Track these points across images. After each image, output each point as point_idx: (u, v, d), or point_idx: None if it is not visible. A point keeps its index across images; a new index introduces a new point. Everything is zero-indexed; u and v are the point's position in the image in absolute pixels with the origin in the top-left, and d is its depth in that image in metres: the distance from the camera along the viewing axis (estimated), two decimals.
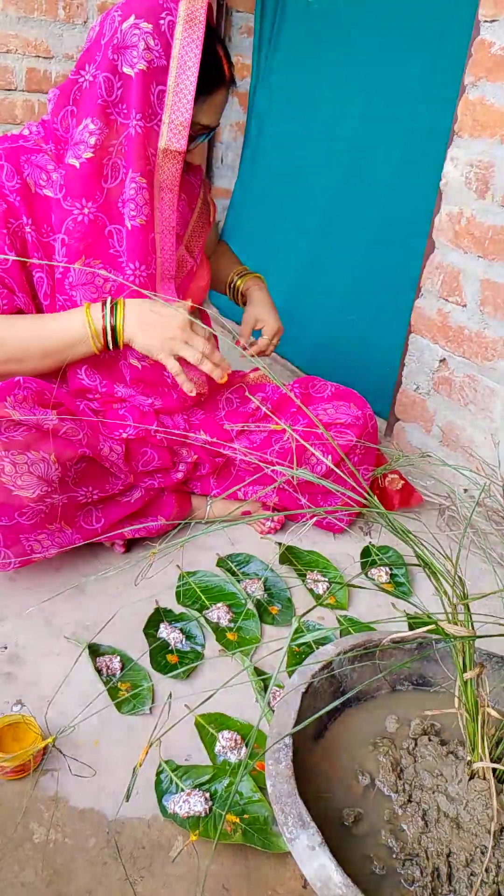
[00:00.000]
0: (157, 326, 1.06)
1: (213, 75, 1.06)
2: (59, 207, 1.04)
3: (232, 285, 1.41)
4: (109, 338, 1.06)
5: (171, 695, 0.89)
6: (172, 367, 1.08)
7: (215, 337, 1.28)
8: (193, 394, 1.12)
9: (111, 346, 1.07)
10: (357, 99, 1.92)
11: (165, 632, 1.02)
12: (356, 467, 1.31)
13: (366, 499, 0.71)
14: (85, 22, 2.16)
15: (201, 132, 1.12)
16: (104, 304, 1.06)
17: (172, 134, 1.02)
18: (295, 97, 2.16)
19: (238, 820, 0.75)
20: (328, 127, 2.03)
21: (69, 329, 1.05)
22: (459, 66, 1.38)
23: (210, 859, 0.73)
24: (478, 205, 1.37)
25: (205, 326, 1.06)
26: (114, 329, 1.05)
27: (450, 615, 0.67)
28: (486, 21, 1.30)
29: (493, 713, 0.67)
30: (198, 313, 1.33)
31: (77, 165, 1.01)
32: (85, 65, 1.01)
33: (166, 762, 0.81)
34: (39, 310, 1.11)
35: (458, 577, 0.66)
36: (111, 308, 1.06)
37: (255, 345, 1.35)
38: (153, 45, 0.98)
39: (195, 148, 1.15)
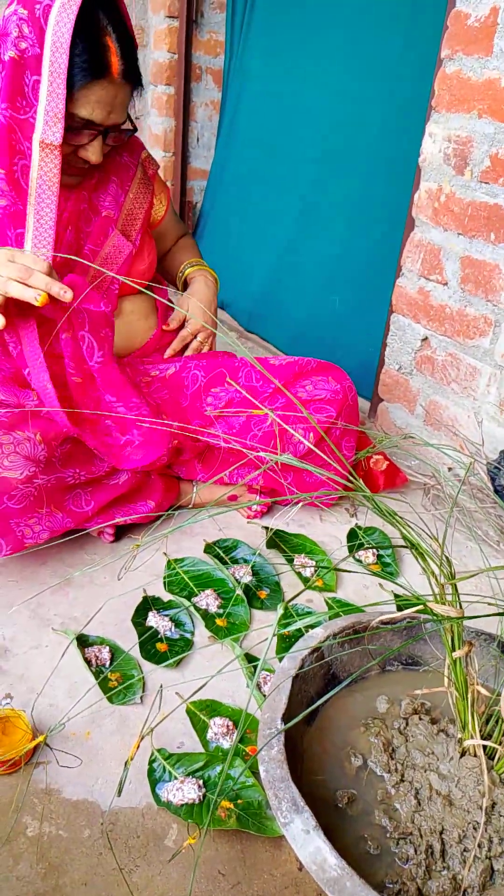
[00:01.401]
0: None
1: (91, 66, 0.97)
2: None
3: (181, 276, 1.38)
4: None
5: (161, 686, 0.89)
6: None
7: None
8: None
9: None
10: (334, 75, 1.89)
11: (154, 620, 1.02)
12: (339, 442, 1.29)
13: (350, 479, 0.71)
14: None
15: (88, 127, 1.02)
16: None
17: (46, 125, 0.97)
18: (271, 74, 2.12)
19: (232, 805, 0.75)
20: (306, 104, 2.00)
21: None
22: (436, 40, 1.36)
23: (202, 846, 0.73)
24: (457, 181, 1.35)
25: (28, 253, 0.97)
26: None
27: (437, 595, 0.67)
28: None
29: (483, 690, 0.68)
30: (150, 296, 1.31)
31: None
32: None
33: (158, 751, 0.81)
34: None
35: (446, 557, 0.65)
36: None
37: (177, 338, 1.31)
38: (27, 32, 0.95)
39: (89, 144, 1.04)
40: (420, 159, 1.43)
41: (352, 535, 1.29)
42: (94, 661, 0.94)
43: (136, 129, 1.11)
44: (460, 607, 0.66)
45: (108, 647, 0.96)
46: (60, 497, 1.09)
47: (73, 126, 1.01)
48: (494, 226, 1.30)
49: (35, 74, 0.96)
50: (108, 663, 0.94)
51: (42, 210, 1.03)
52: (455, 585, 0.66)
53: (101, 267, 1.16)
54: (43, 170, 1.00)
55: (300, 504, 1.28)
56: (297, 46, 2.01)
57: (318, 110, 1.95)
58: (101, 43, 0.97)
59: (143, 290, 0.93)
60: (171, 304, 1.08)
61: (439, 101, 1.36)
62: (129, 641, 0.99)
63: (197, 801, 0.75)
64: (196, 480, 1.30)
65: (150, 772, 0.79)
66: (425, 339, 1.51)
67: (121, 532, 1.21)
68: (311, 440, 1.24)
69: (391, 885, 0.62)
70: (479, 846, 0.63)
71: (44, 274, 0.95)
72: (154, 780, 0.78)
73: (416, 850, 0.64)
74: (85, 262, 0.97)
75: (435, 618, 0.65)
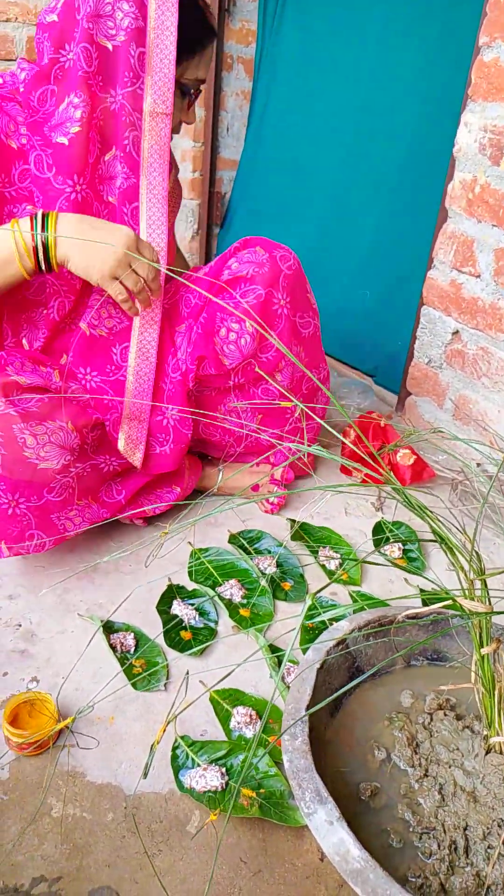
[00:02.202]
0: (97, 247, 0.92)
1: (198, 29, 1.02)
2: (50, 186, 1.01)
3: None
4: (41, 256, 0.92)
5: (188, 672, 0.89)
6: (116, 294, 0.98)
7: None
8: (136, 314, 1.04)
9: (43, 268, 0.94)
10: (368, 65, 1.86)
11: (179, 609, 1.02)
12: (291, 325, 1.19)
13: (381, 475, 0.70)
14: None
15: (194, 86, 1.08)
16: (34, 217, 0.92)
17: (157, 95, 0.99)
18: (303, 64, 2.10)
19: (254, 794, 0.75)
20: (338, 95, 1.97)
21: None
22: (474, 27, 1.33)
23: (224, 833, 0.73)
24: (492, 171, 1.33)
25: (151, 247, 0.98)
26: (45, 246, 0.92)
27: (466, 591, 0.66)
28: None
29: None
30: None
31: (66, 142, 0.98)
32: (65, 44, 0.97)
33: (182, 738, 0.82)
34: None
35: (475, 552, 0.65)
36: (42, 221, 0.92)
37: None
38: (128, 8, 0.95)
39: (192, 107, 1.11)
40: (455, 149, 1.40)
41: (377, 528, 1.28)
42: (119, 647, 0.95)
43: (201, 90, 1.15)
44: (489, 603, 0.65)
45: (133, 634, 0.97)
46: (95, 489, 1.10)
47: (185, 89, 1.06)
48: None
49: (140, 47, 0.97)
50: (132, 650, 0.95)
51: (153, 182, 1.03)
52: (484, 581, 0.65)
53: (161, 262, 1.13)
54: (154, 139, 1.01)
55: (328, 495, 1.27)
56: (330, 36, 1.99)
57: (351, 101, 1.93)
58: (202, 4, 1.03)
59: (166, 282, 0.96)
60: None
61: (476, 90, 1.34)
62: (154, 629, 0.99)
63: (220, 789, 0.76)
64: (220, 465, 1.30)
65: (174, 758, 0.80)
66: (456, 332, 1.49)
67: (150, 517, 1.22)
68: (247, 339, 1.14)
69: (414, 879, 0.62)
70: (503, 843, 0.63)
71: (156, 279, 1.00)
72: (177, 767, 0.79)
73: (439, 846, 0.64)
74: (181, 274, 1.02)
75: (463, 613, 0.64)
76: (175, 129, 1.09)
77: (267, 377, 0.95)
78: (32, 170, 1.01)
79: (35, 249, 0.92)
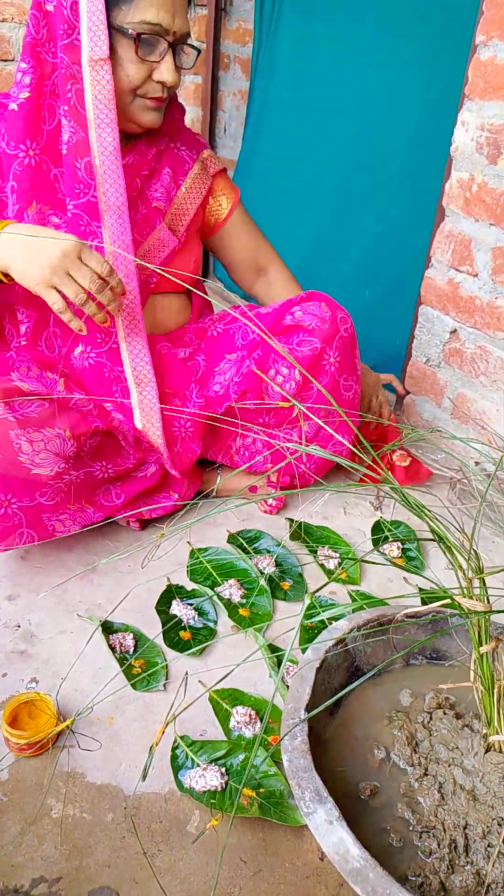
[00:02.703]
0: (35, 251, 0.90)
1: None
2: (5, 154, 1.02)
3: None
4: None
5: (187, 673, 0.89)
6: (53, 302, 0.93)
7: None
8: (84, 332, 0.97)
9: None
10: (365, 64, 1.86)
11: (178, 609, 1.02)
12: (335, 382, 1.21)
13: (379, 474, 0.70)
14: None
15: (157, 34, 1.00)
16: None
17: (90, 41, 0.96)
18: (301, 63, 2.10)
19: (254, 794, 0.75)
20: (335, 94, 1.97)
21: None
22: (471, 26, 1.33)
23: (227, 833, 0.73)
24: (489, 170, 1.33)
25: (99, 256, 0.93)
26: None
27: (465, 589, 0.66)
28: None
29: None
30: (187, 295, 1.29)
31: (16, 108, 0.99)
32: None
33: (181, 738, 0.82)
34: None
35: (474, 550, 0.65)
36: None
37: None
38: None
39: (163, 62, 1.01)
40: (452, 148, 1.40)
41: (376, 528, 1.28)
42: (118, 647, 0.95)
43: (200, 51, 1.08)
44: (488, 602, 0.65)
45: (132, 635, 0.97)
46: (90, 492, 1.10)
47: (143, 36, 0.98)
48: None
49: None
50: (132, 650, 0.95)
51: (103, 135, 1.00)
52: (483, 580, 0.65)
53: (141, 260, 1.14)
54: (96, 88, 0.98)
55: (326, 495, 1.27)
56: (328, 35, 1.99)
57: (348, 100, 1.93)
58: None
59: (177, 289, 0.93)
60: (208, 297, 1.06)
61: (473, 89, 1.34)
62: (153, 629, 0.99)
63: (219, 789, 0.76)
64: (218, 468, 1.30)
65: (173, 758, 0.80)
66: (454, 331, 1.49)
67: (147, 520, 1.22)
68: (293, 385, 1.17)
69: (414, 878, 0.62)
70: (503, 842, 0.63)
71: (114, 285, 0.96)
72: (177, 767, 0.79)
73: (439, 845, 0.64)
74: (137, 260, 0.99)
75: (461, 612, 0.64)
76: (157, 90, 1.03)
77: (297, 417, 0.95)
78: None
79: None
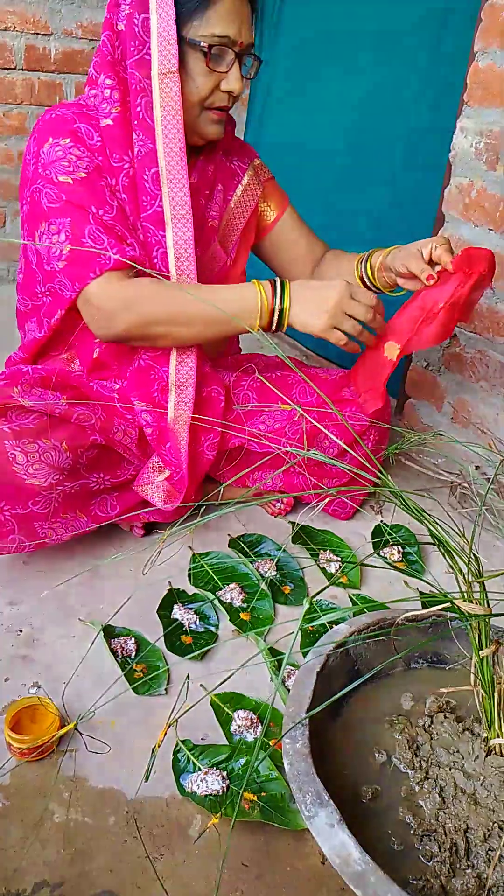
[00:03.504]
0: (314, 303, 1.05)
1: None
2: (110, 168, 1.05)
3: (365, 266, 1.24)
4: (276, 318, 1.06)
5: (188, 676, 0.89)
6: (336, 340, 1.06)
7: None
8: (361, 350, 1.12)
9: (273, 327, 1.07)
10: (365, 72, 1.87)
11: (179, 613, 1.02)
12: (371, 449, 1.27)
13: (378, 478, 0.71)
14: None
15: (225, 45, 1.02)
16: (273, 284, 1.06)
17: (160, 54, 0.99)
18: (300, 72, 2.11)
19: (256, 798, 0.75)
20: (335, 103, 1.98)
21: (241, 300, 1.05)
22: (469, 34, 1.34)
23: (229, 837, 0.74)
24: (489, 176, 1.34)
25: (365, 292, 1.05)
26: (281, 312, 1.06)
27: (465, 593, 0.66)
28: None
29: None
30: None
31: (111, 123, 1.03)
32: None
33: (183, 742, 0.82)
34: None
35: (474, 554, 0.65)
36: (281, 289, 1.06)
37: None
38: None
39: (230, 72, 1.04)
40: (451, 154, 1.41)
41: (377, 532, 1.28)
42: (120, 651, 0.95)
43: (262, 61, 1.11)
44: (488, 605, 0.66)
45: (133, 639, 0.97)
46: (85, 502, 1.10)
47: (213, 48, 1.01)
48: None
49: (143, 12, 0.98)
50: (133, 654, 0.95)
51: (170, 143, 1.02)
52: (483, 583, 0.66)
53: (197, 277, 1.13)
54: (164, 99, 1.01)
55: (326, 499, 1.27)
56: (328, 42, 2.00)
57: (348, 108, 1.94)
58: None
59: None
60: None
61: (471, 96, 1.35)
62: (155, 633, 1.00)
63: (221, 793, 0.76)
64: (221, 479, 1.30)
65: (175, 762, 0.80)
66: (454, 336, 1.49)
67: (150, 526, 1.22)
68: (334, 451, 1.23)
69: (415, 882, 0.62)
70: None
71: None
72: (178, 771, 0.79)
73: (440, 848, 0.64)
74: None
75: (462, 615, 0.65)
76: (224, 99, 1.06)
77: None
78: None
79: (272, 312, 1.06)
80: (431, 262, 1.10)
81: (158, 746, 0.60)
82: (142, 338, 1.06)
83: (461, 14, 1.51)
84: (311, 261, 1.33)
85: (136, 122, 1.02)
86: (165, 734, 0.66)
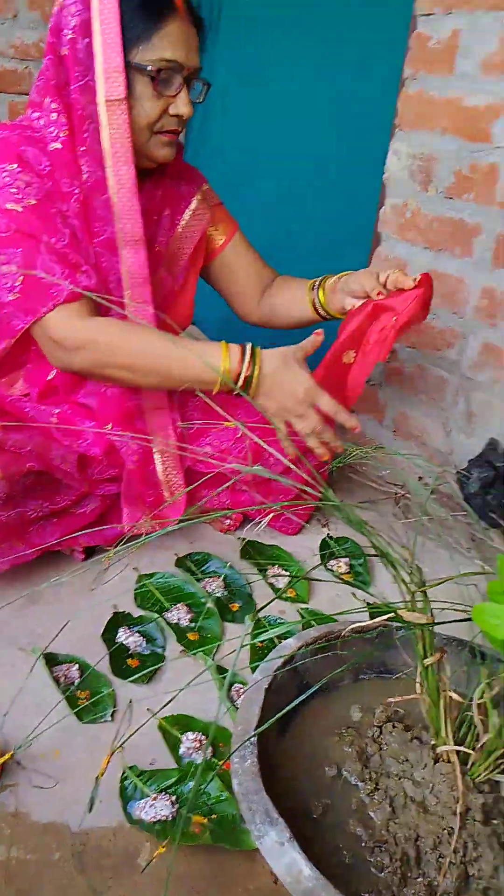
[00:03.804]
0: (280, 389, 1.04)
1: (157, 3, 0.98)
2: (60, 193, 1.03)
3: (315, 290, 1.25)
4: (240, 385, 1.04)
5: (131, 701, 0.87)
6: (280, 430, 1.07)
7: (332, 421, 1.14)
8: (293, 455, 1.08)
9: (234, 392, 1.06)
10: (301, 91, 1.92)
11: (125, 636, 1.00)
12: (317, 466, 1.28)
13: (321, 493, 0.71)
14: (14, 16, 2.10)
15: (174, 70, 1.01)
16: (243, 350, 1.04)
17: (107, 81, 0.97)
18: (237, 87, 2.15)
19: (206, 821, 0.74)
20: (271, 126, 2.02)
21: (206, 362, 1.02)
22: (400, 60, 1.39)
23: (175, 863, 0.72)
24: (422, 196, 1.38)
25: (330, 400, 1.04)
26: (248, 379, 1.04)
27: (408, 603, 0.67)
28: (422, 15, 1.32)
29: (455, 696, 0.68)
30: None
31: (60, 146, 1.00)
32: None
33: (130, 768, 0.80)
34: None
35: (416, 565, 0.66)
36: (250, 357, 1.03)
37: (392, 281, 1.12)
38: (75, 10, 0.96)
39: (178, 96, 1.03)
40: (385, 176, 1.46)
41: (324, 545, 1.29)
42: (62, 679, 0.92)
43: (210, 85, 1.11)
44: (431, 614, 0.66)
45: (77, 665, 0.94)
46: (23, 530, 1.07)
47: (161, 72, 1.00)
48: (459, 240, 1.33)
49: (86, 37, 0.96)
50: (77, 681, 0.92)
51: (120, 171, 1.01)
52: (425, 593, 0.66)
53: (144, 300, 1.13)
54: (113, 127, 0.99)
55: (271, 515, 1.27)
56: (264, 63, 2.04)
57: (284, 131, 1.98)
58: None
59: (173, 333, 0.97)
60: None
61: (403, 120, 1.39)
62: (99, 658, 0.97)
63: (170, 818, 0.74)
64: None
65: (122, 790, 0.78)
66: (394, 351, 1.53)
67: (91, 550, 1.20)
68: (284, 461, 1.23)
69: (367, 895, 0.61)
70: (454, 852, 0.63)
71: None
72: (126, 799, 0.77)
73: (391, 859, 0.64)
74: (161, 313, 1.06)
75: (406, 625, 0.65)
76: (173, 123, 1.05)
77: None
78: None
79: (237, 379, 1.03)
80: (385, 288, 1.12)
81: (101, 775, 0.58)
82: (97, 376, 1.06)
83: (392, 40, 1.56)
84: (259, 286, 1.33)
85: (83, 149, 1.01)
86: (108, 762, 0.64)
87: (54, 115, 1.00)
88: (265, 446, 0.82)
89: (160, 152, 1.09)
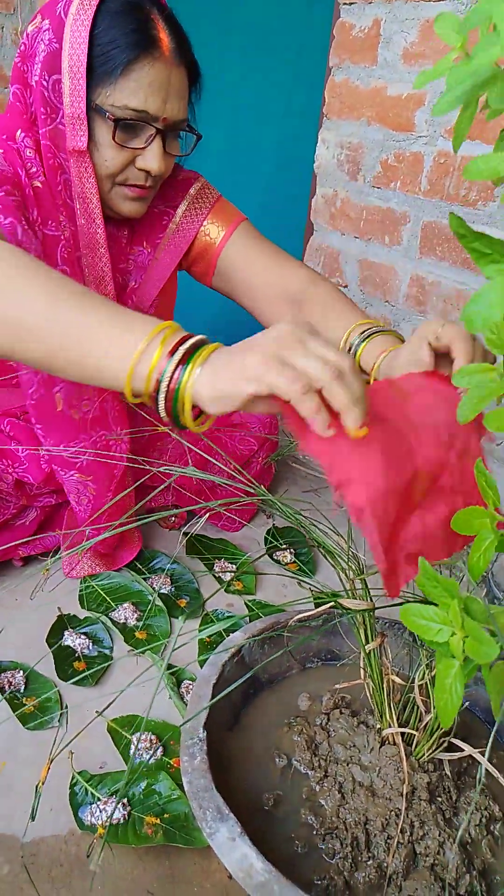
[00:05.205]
0: (246, 345, 0.60)
1: (133, 41, 0.82)
2: (49, 237, 0.91)
3: (353, 345, 0.93)
4: (161, 399, 0.61)
5: (67, 706, 0.86)
6: (279, 388, 0.57)
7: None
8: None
9: (162, 414, 0.63)
10: (230, 87, 1.91)
11: (70, 639, 0.98)
12: (262, 470, 1.31)
13: (259, 491, 0.71)
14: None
15: (143, 121, 0.87)
16: (180, 343, 0.61)
17: (71, 128, 0.85)
18: None
19: (158, 820, 0.74)
20: (203, 112, 2.00)
21: (121, 329, 0.62)
22: (326, 49, 1.40)
23: (126, 864, 0.71)
24: (351, 186, 1.39)
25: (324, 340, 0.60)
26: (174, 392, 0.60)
27: (348, 591, 0.68)
28: (345, 4, 1.32)
29: (397, 679, 0.69)
30: None
31: (40, 185, 0.88)
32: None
33: (80, 773, 0.79)
34: None
35: (353, 553, 0.67)
36: (183, 357, 0.60)
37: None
38: (48, 36, 0.83)
39: (147, 149, 0.89)
40: (315, 165, 1.46)
41: (270, 536, 1.30)
42: (7, 686, 0.90)
43: (200, 136, 0.94)
44: (371, 600, 0.68)
45: (21, 672, 0.92)
46: None
47: (127, 122, 0.86)
48: (388, 228, 1.35)
49: (55, 73, 0.83)
50: (22, 688, 0.90)
51: (90, 229, 0.91)
52: (364, 580, 0.68)
53: None
54: (80, 180, 0.88)
55: (207, 514, 1.26)
56: (198, 54, 2.02)
57: (216, 122, 1.96)
58: (142, 17, 0.83)
59: None
60: None
61: (330, 109, 1.40)
62: (45, 663, 0.95)
63: (122, 821, 0.73)
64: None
65: (72, 796, 0.77)
66: None
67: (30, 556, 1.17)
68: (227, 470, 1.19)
69: (319, 882, 0.62)
70: (401, 832, 0.65)
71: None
72: (76, 804, 0.76)
73: (342, 844, 0.65)
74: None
75: (346, 612, 0.66)
76: (140, 178, 0.91)
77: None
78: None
79: (154, 386, 0.61)
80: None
81: (42, 783, 0.56)
82: None
83: (323, 29, 1.57)
84: (279, 292, 1.04)
85: (59, 202, 0.90)
86: (49, 769, 0.63)
87: (30, 153, 0.88)
88: (208, 458, 0.80)
89: (124, 207, 0.95)
